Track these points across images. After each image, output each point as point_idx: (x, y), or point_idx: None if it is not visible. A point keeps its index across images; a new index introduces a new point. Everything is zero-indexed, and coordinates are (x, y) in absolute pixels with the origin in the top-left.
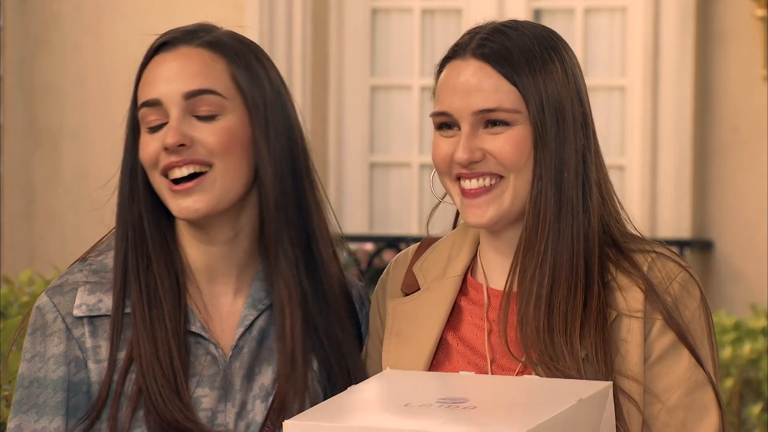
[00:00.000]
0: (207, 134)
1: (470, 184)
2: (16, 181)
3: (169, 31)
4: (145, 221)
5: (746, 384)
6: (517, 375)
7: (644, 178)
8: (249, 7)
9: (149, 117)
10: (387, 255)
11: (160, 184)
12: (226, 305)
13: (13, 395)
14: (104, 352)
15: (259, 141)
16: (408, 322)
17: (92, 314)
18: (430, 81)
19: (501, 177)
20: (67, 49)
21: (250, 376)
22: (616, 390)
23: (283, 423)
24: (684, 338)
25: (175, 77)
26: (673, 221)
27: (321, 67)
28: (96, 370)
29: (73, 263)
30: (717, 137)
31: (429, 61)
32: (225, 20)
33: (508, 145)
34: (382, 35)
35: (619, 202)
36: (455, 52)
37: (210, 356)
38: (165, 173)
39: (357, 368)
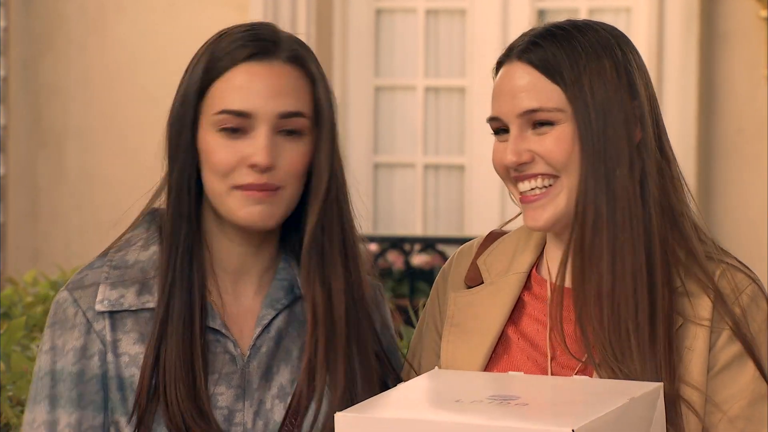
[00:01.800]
0: (290, 158)
1: (524, 186)
2: (20, 181)
3: (244, 35)
4: (192, 218)
5: None
6: (577, 374)
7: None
8: (253, 7)
9: (228, 122)
10: (391, 255)
11: (223, 188)
12: (245, 305)
13: (16, 395)
14: (124, 346)
15: (323, 158)
16: (470, 314)
17: (114, 309)
18: (434, 81)
19: (556, 177)
20: (71, 50)
21: (268, 375)
22: (677, 397)
23: (335, 415)
24: (750, 350)
25: (271, 95)
26: None
27: (325, 67)
28: (114, 364)
29: (94, 259)
30: (721, 138)
31: (433, 62)
32: (229, 21)
33: (554, 144)
34: (386, 35)
35: (692, 199)
36: (506, 56)
37: (228, 354)
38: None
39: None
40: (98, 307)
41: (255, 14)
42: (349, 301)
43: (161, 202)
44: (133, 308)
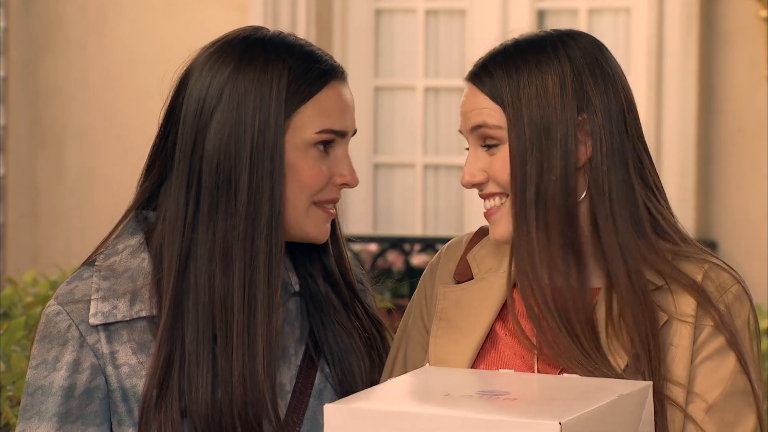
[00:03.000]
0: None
1: (486, 204)
2: (20, 182)
3: (322, 53)
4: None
5: None
6: (561, 371)
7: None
8: (253, 8)
9: (327, 138)
10: (391, 255)
11: (306, 204)
12: None
13: (16, 395)
14: (123, 357)
15: None
16: (459, 309)
17: (107, 321)
18: (434, 82)
19: (508, 195)
20: (71, 50)
21: None
22: (662, 395)
23: (324, 406)
24: (733, 344)
25: (353, 114)
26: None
27: None
28: (115, 375)
29: (80, 267)
30: (721, 138)
31: (433, 62)
32: (229, 22)
33: (500, 164)
34: (386, 36)
35: (666, 203)
36: (467, 75)
37: None
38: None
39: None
40: (92, 321)
41: (255, 14)
42: (345, 291)
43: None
44: (127, 319)
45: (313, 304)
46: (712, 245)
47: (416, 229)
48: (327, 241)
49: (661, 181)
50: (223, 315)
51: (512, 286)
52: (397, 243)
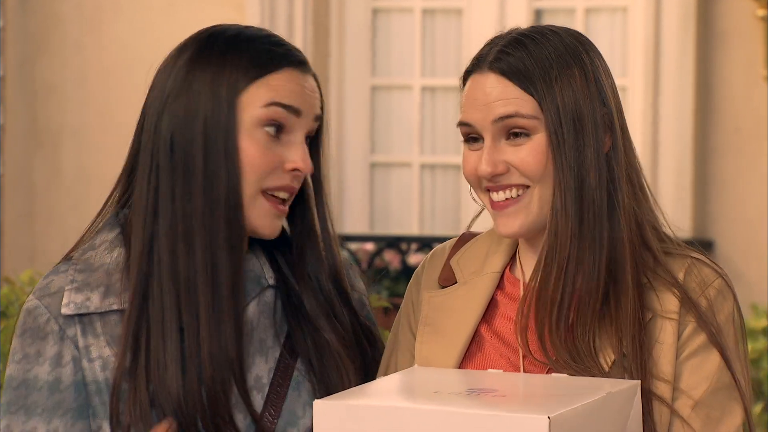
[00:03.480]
0: (304, 161)
1: (498, 197)
2: (16, 181)
3: (285, 42)
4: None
5: None
6: (548, 371)
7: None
8: (249, 7)
9: (275, 114)
10: (387, 255)
11: (253, 190)
12: None
13: None
14: (95, 350)
15: (322, 159)
16: (443, 313)
17: (80, 312)
18: (431, 81)
19: (527, 187)
20: (67, 49)
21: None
22: (648, 392)
23: (314, 402)
24: (715, 340)
25: (313, 101)
26: (674, 221)
27: (322, 66)
28: (89, 369)
29: (59, 263)
30: (718, 137)
31: (430, 61)
32: (226, 20)
33: (530, 156)
34: (382, 35)
35: (655, 202)
36: (475, 66)
37: None
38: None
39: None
40: (64, 311)
41: (252, 13)
42: (331, 286)
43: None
44: (100, 311)
45: (288, 301)
46: (709, 244)
47: (413, 229)
48: (307, 239)
49: (659, 180)
50: (188, 296)
51: (498, 286)
52: (393, 242)
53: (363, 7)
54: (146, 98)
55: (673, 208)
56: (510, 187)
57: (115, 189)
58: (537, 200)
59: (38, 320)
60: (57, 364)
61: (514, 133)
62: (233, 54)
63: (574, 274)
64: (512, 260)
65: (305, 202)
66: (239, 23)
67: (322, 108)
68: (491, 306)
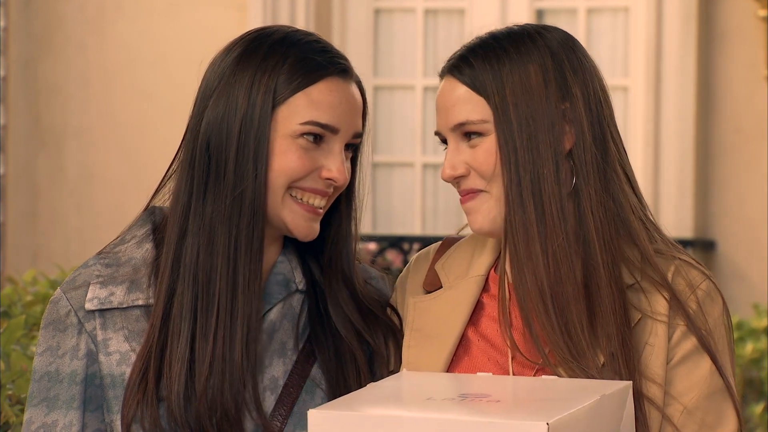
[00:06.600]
0: (346, 175)
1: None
2: (20, 181)
3: (329, 49)
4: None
5: (748, 384)
6: (536, 372)
7: (646, 178)
8: (252, 8)
9: (313, 130)
10: (390, 254)
11: (282, 190)
12: None
13: (15, 394)
14: (114, 344)
15: (358, 171)
16: (430, 318)
17: (103, 307)
18: (433, 81)
19: (486, 192)
20: (70, 50)
21: (259, 368)
22: (639, 394)
23: (308, 412)
24: (706, 344)
25: (353, 114)
26: (676, 221)
27: None
28: (106, 363)
29: (91, 257)
30: (719, 137)
31: (432, 62)
32: (228, 21)
33: (483, 156)
34: (385, 35)
35: (642, 201)
36: (442, 69)
37: None
38: (297, 195)
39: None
40: (88, 306)
41: (254, 14)
42: (359, 295)
43: (163, 201)
44: (123, 306)
45: (315, 306)
46: (710, 244)
47: (415, 228)
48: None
49: (660, 181)
50: (206, 295)
51: (483, 289)
52: (396, 242)
53: (365, 8)
54: (196, 94)
55: (674, 208)
56: (471, 192)
57: (162, 183)
58: (493, 201)
59: (59, 312)
60: (74, 356)
61: (470, 134)
62: (275, 59)
63: (545, 265)
64: (497, 261)
65: (339, 208)
66: (241, 24)
67: (364, 116)
68: (477, 309)
